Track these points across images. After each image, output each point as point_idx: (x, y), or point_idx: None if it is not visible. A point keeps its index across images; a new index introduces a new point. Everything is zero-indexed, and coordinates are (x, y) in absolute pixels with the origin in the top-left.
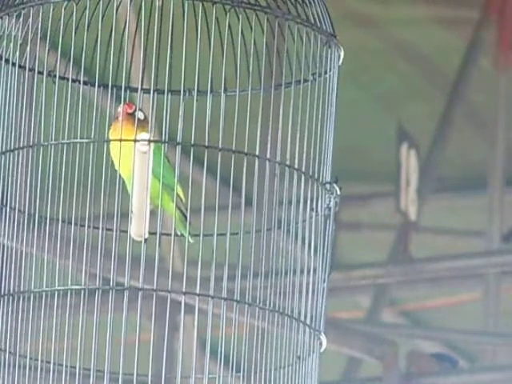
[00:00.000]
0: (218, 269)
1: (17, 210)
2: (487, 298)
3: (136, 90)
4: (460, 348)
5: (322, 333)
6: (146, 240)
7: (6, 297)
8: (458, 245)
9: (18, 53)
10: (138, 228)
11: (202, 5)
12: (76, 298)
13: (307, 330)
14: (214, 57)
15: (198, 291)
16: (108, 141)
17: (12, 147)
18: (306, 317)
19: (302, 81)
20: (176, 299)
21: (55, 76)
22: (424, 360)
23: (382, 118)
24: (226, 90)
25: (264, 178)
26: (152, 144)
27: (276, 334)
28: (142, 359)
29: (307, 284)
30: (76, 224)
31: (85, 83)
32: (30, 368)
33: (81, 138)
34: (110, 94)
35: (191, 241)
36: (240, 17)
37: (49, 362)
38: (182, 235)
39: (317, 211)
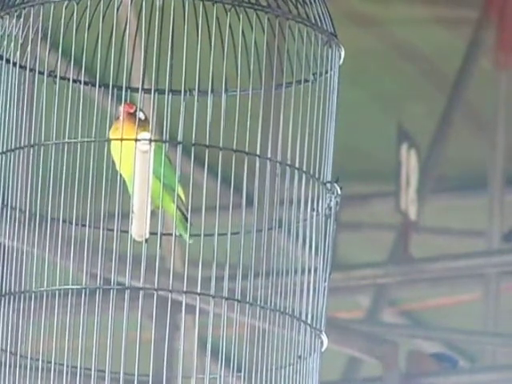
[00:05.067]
0: (218, 268)
1: (18, 210)
2: (487, 298)
3: (137, 90)
4: (460, 348)
5: (323, 332)
6: (146, 240)
7: (6, 297)
8: (458, 245)
9: (18, 53)
10: (138, 228)
11: (203, 4)
12: (77, 297)
13: (308, 329)
14: (214, 56)
15: (198, 290)
16: (109, 140)
17: (13, 147)
18: (306, 316)
19: (302, 80)
20: (177, 299)
21: (56, 76)
22: (424, 360)
23: (382, 118)
24: (226, 90)
25: (265, 177)
26: (153, 143)
27: (277, 334)
28: (142, 359)
29: (308, 283)
30: (77, 224)
31: (85, 83)
32: (30, 368)
33: (82, 138)
34: (110, 94)
35: (190, 241)
36: (240, 16)
37: (50, 362)
38: (180, 236)
39: (318, 211)
